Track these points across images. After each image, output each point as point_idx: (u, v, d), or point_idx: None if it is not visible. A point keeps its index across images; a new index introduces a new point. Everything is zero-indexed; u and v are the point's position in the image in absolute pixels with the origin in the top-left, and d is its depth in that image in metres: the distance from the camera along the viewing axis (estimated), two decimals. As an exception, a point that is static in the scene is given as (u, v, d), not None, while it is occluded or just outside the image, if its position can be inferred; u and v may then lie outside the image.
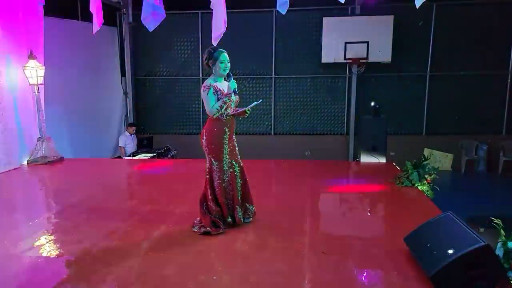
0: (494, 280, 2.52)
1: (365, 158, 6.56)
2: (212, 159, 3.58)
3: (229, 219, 3.62)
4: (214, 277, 2.80)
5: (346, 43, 9.05)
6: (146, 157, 8.12)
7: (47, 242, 3.44)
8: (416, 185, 4.88)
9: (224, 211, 3.60)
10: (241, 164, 3.71)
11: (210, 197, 3.60)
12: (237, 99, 3.63)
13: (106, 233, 3.60)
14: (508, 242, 2.67)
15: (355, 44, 9.02)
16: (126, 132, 9.49)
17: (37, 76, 6.30)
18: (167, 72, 10.45)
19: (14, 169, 6.22)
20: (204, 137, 3.57)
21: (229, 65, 3.54)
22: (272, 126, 10.34)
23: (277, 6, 5.57)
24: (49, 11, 6.98)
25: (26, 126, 6.54)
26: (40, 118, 6.60)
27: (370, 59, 9.06)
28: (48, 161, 6.55)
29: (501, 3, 9.00)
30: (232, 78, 3.59)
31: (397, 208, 4.39)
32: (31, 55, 6.30)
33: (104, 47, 9.85)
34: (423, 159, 5.08)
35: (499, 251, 2.66)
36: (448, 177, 9.21)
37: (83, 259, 3.09)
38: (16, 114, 6.37)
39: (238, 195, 3.66)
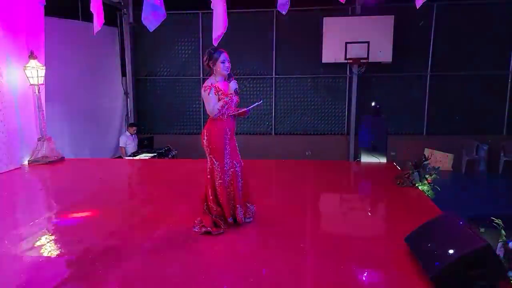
0: (495, 280, 2.52)
1: (366, 158, 6.56)
2: (213, 159, 3.58)
3: (230, 219, 3.62)
4: (215, 277, 2.80)
5: (346, 43, 9.05)
6: (147, 157, 8.12)
7: (48, 242, 3.44)
8: (416, 185, 4.88)
9: (225, 211, 3.60)
10: (242, 164, 3.71)
11: (211, 197, 3.60)
12: (237, 99, 3.63)
13: (106, 233, 3.61)
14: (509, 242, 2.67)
15: (355, 44, 9.01)
16: (126, 132, 9.49)
17: (37, 76, 6.30)
18: (167, 72, 10.45)
19: (15, 169, 6.22)
20: (205, 137, 3.57)
21: (229, 65, 3.54)
22: (273, 126, 10.34)
23: (278, 6, 5.58)
24: (49, 11, 6.98)
25: (27, 126, 6.54)
26: (40, 118, 6.61)
27: (371, 59, 9.05)
28: (49, 161, 6.56)
29: (501, 3, 9.00)
30: (233, 78, 3.59)
31: (398, 208, 4.39)
32: (32, 55, 6.30)
33: (105, 47, 9.85)
34: (423, 159, 5.08)
35: (500, 251, 2.66)
36: (449, 177, 9.21)
37: (84, 259, 3.10)
38: (17, 114, 6.37)
39: (239, 195, 3.66)
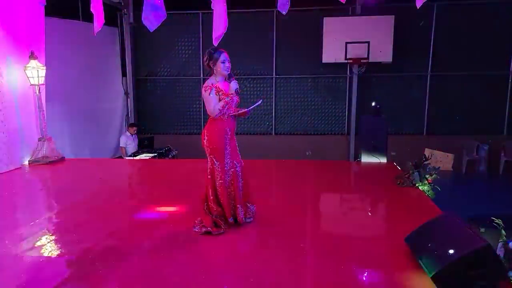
0: (495, 280, 2.52)
1: (366, 158, 6.56)
2: (214, 159, 3.58)
3: (231, 219, 3.62)
4: (215, 277, 2.80)
5: (346, 43, 9.04)
6: (147, 157, 8.12)
7: (48, 242, 3.45)
8: (417, 185, 4.88)
9: (226, 211, 3.60)
10: (242, 164, 3.71)
11: (211, 197, 3.60)
12: (238, 99, 3.63)
13: (107, 233, 3.61)
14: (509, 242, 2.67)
15: (356, 44, 9.01)
16: (127, 132, 9.49)
17: (38, 76, 6.31)
18: (168, 72, 10.45)
19: (16, 169, 6.23)
20: (206, 137, 3.57)
21: (230, 65, 3.54)
22: (273, 126, 10.35)
23: (278, 6, 5.58)
24: (50, 11, 6.99)
25: (27, 126, 6.55)
26: (41, 118, 6.61)
27: (371, 59, 9.05)
28: (49, 161, 6.56)
29: (502, 3, 9.00)
30: (233, 78, 3.59)
31: (398, 208, 4.39)
32: (32, 56, 6.31)
33: (105, 48, 9.86)
34: (424, 159, 5.08)
35: (500, 251, 2.66)
36: (449, 177, 9.20)
37: (84, 259, 3.10)
38: (18, 114, 6.38)
39: (240, 195, 3.66)
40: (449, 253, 2.53)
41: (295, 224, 3.79)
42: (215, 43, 5.39)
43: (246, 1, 9.43)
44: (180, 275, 2.86)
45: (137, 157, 8.13)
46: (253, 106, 3.58)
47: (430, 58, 9.50)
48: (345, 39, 9.04)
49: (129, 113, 10.50)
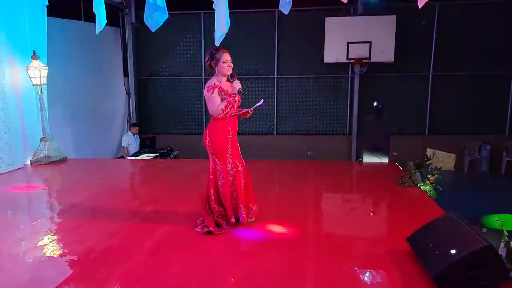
0: (497, 280, 2.52)
1: (368, 158, 6.55)
2: (216, 159, 3.58)
3: (233, 219, 3.63)
4: (217, 277, 2.80)
5: (348, 43, 9.04)
6: (149, 157, 8.13)
7: (50, 242, 3.45)
8: (418, 185, 4.87)
9: (228, 211, 3.60)
10: (244, 163, 3.72)
11: (213, 197, 3.61)
12: (239, 99, 3.63)
13: (109, 233, 3.61)
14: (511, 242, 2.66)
15: (357, 44, 9.01)
16: (129, 132, 9.51)
17: (40, 76, 6.32)
18: (169, 72, 10.46)
19: (18, 169, 6.24)
20: (208, 137, 3.57)
21: (231, 65, 3.54)
22: (275, 126, 10.35)
23: (280, 6, 5.59)
24: (52, 11, 7.01)
25: (29, 126, 6.56)
26: (43, 118, 6.62)
27: (373, 59, 9.05)
28: (51, 161, 6.57)
29: (504, 2, 8.97)
30: (236, 78, 3.59)
31: (400, 208, 4.38)
32: (34, 55, 6.32)
33: (107, 48, 9.88)
34: (425, 159, 5.08)
35: (502, 251, 2.66)
36: (451, 177, 9.18)
37: (86, 258, 3.10)
38: (20, 114, 6.40)
39: (242, 195, 3.66)
40: (450, 253, 2.53)
41: (297, 224, 3.79)
42: (217, 43, 5.39)
43: (248, 1, 9.44)
44: (181, 275, 2.87)
45: (139, 157, 8.14)
46: (254, 106, 3.58)
47: (432, 58, 9.49)
48: (347, 39, 9.04)
49: (131, 113, 10.52)
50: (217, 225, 3.56)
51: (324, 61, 9.37)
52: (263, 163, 6.56)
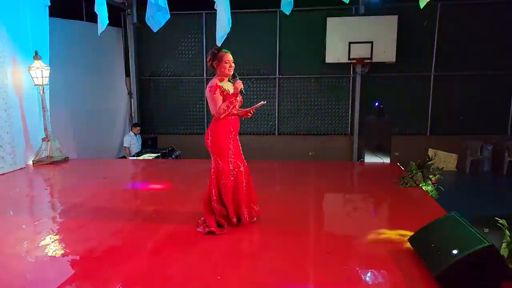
0: (499, 280, 2.52)
1: (369, 159, 6.54)
2: (218, 159, 3.58)
3: (235, 219, 3.63)
4: (219, 277, 2.80)
5: (350, 43, 9.04)
6: (151, 157, 8.14)
7: (53, 242, 3.46)
8: (420, 185, 4.87)
9: (229, 211, 3.60)
10: (246, 163, 3.72)
11: (214, 197, 3.61)
12: (241, 100, 3.64)
13: (110, 233, 3.62)
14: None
15: (359, 44, 9.00)
16: (130, 132, 9.53)
17: (42, 77, 6.33)
18: (171, 73, 10.47)
19: (20, 169, 6.26)
20: (210, 137, 3.58)
21: (233, 65, 3.55)
22: (276, 126, 10.35)
23: (281, 7, 5.59)
24: (54, 12, 7.02)
25: (31, 126, 6.58)
26: (45, 118, 6.64)
27: (374, 59, 9.05)
28: (53, 161, 6.59)
29: (505, 2, 8.96)
30: (237, 78, 3.59)
31: (401, 208, 4.38)
32: (36, 56, 6.33)
33: (109, 48, 9.90)
34: (427, 159, 5.07)
35: (504, 252, 2.65)
36: (453, 177, 9.18)
37: (88, 258, 3.11)
38: (22, 114, 6.41)
39: (244, 195, 3.66)
40: (452, 253, 2.53)
41: (299, 224, 3.79)
42: (219, 43, 5.40)
43: (250, 2, 9.44)
44: (183, 275, 2.87)
45: (141, 157, 8.15)
46: (255, 106, 3.58)
47: (434, 58, 9.48)
48: (348, 39, 9.04)
49: (133, 113, 10.53)
50: (219, 225, 3.56)
51: (326, 61, 9.37)
52: (264, 163, 6.56)
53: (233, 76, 3.58)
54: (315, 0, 9.26)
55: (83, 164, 7.05)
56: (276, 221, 3.86)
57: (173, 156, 8.93)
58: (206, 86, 3.55)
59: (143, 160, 7.83)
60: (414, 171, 4.97)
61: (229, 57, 3.51)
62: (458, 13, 9.30)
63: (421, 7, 4.58)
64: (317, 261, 3.03)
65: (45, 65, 6.41)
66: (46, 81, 6.44)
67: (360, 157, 7.43)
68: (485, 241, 2.48)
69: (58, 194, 5.26)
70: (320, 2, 9.31)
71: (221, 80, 3.54)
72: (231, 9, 5.46)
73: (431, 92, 9.64)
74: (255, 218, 3.80)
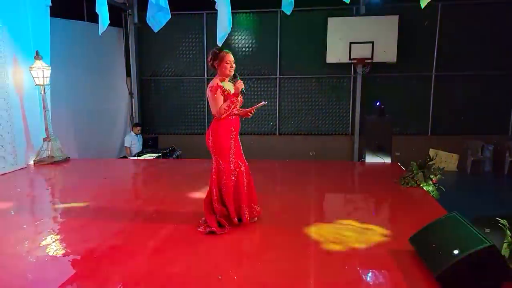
0: (500, 280, 2.51)
1: (370, 159, 6.54)
2: (219, 159, 3.58)
3: (236, 219, 3.63)
4: (219, 277, 2.80)
5: (351, 43, 9.04)
6: (152, 157, 8.15)
7: (53, 242, 3.46)
8: (421, 185, 4.87)
9: (230, 211, 3.60)
10: (246, 164, 3.72)
11: (215, 197, 3.61)
12: (242, 100, 3.64)
13: (112, 233, 3.62)
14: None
15: (360, 44, 9.00)
16: (131, 132, 9.54)
17: (43, 77, 6.34)
18: (172, 73, 10.48)
19: (21, 168, 6.27)
20: (211, 138, 3.58)
21: (234, 65, 3.55)
22: (277, 126, 10.34)
23: (282, 7, 5.58)
24: (55, 12, 7.03)
25: (32, 126, 6.59)
26: (46, 118, 6.64)
27: (375, 59, 9.04)
28: (54, 161, 6.60)
29: (506, 2, 8.95)
30: (238, 78, 3.59)
31: (402, 208, 4.38)
32: (38, 56, 6.34)
33: (110, 48, 9.90)
34: (428, 159, 5.07)
35: (505, 252, 2.65)
36: (454, 177, 9.17)
37: (89, 258, 3.11)
38: (23, 114, 6.42)
39: (245, 195, 3.66)
40: (453, 253, 2.52)
41: (299, 224, 3.79)
42: (219, 44, 5.40)
43: (251, 2, 9.44)
44: (184, 274, 2.87)
45: (142, 157, 8.16)
46: (256, 106, 3.58)
47: (435, 58, 9.47)
48: (349, 39, 9.04)
49: (134, 113, 10.54)
50: (220, 225, 3.56)
51: (327, 61, 9.37)
52: (265, 163, 6.56)
53: (234, 76, 3.58)
54: (316, 0, 9.26)
55: (84, 164, 7.06)
56: (277, 221, 3.86)
57: (174, 156, 8.93)
58: (207, 86, 3.55)
59: (144, 160, 7.83)
60: (415, 171, 4.97)
61: (230, 57, 3.51)
62: (459, 13, 9.29)
63: (422, 7, 4.58)
64: (318, 262, 3.03)
65: (46, 65, 6.42)
66: (47, 81, 6.45)
67: (361, 157, 7.42)
68: (486, 241, 2.47)
69: (59, 194, 5.26)
70: (321, 2, 9.31)
71: (222, 80, 3.54)
72: (232, 9, 5.46)
73: (432, 92, 9.63)
74: (256, 218, 3.80)
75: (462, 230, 2.72)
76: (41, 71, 6.30)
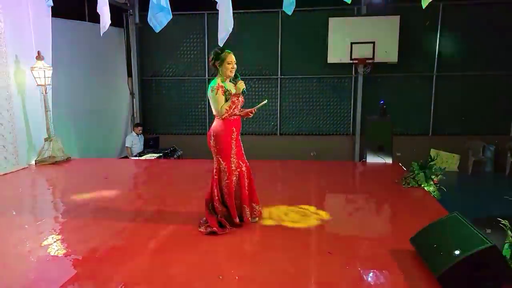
0: (501, 280, 2.51)
1: (371, 159, 6.54)
2: (220, 159, 3.59)
3: (237, 219, 3.63)
4: (220, 277, 2.81)
5: (352, 43, 9.04)
6: (153, 157, 8.15)
7: (55, 242, 3.47)
8: (422, 185, 4.86)
9: (231, 211, 3.60)
10: (248, 164, 3.72)
11: (216, 197, 3.61)
12: (243, 100, 3.64)
13: (113, 233, 3.63)
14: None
15: (361, 44, 9.00)
16: (132, 132, 9.55)
17: (44, 77, 6.35)
18: (173, 73, 10.48)
19: (22, 169, 6.27)
20: (212, 138, 3.58)
21: (235, 67, 3.55)
22: (278, 127, 10.34)
23: (283, 7, 5.58)
24: (57, 12, 7.03)
25: (34, 126, 6.60)
26: (47, 118, 6.65)
27: (377, 59, 9.03)
28: (56, 161, 6.61)
29: (507, 2, 8.93)
30: (240, 78, 3.59)
31: (403, 208, 4.38)
32: (39, 56, 6.35)
33: (111, 48, 9.91)
34: (429, 159, 5.07)
35: (506, 252, 2.65)
36: (455, 178, 9.16)
37: (90, 258, 3.12)
38: (24, 115, 6.44)
39: (246, 195, 3.66)
40: (454, 253, 2.52)
41: (300, 224, 3.79)
42: (221, 44, 5.40)
43: (252, 2, 9.44)
44: (185, 275, 2.88)
45: (143, 157, 8.16)
46: (258, 106, 3.59)
47: (436, 59, 9.45)
48: (350, 40, 9.04)
49: (135, 113, 10.55)
50: (221, 225, 3.57)
51: (328, 61, 9.37)
52: (266, 164, 6.56)
53: (235, 76, 3.58)
54: (317, 1, 9.26)
55: (85, 164, 7.06)
56: (278, 221, 3.86)
57: (175, 156, 8.93)
58: (208, 87, 3.55)
59: (145, 160, 7.83)
60: (416, 172, 4.96)
61: (232, 58, 3.51)
62: (460, 13, 9.27)
63: (423, 7, 4.57)
64: (319, 262, 3.03)
65: (48, 66, 6.43)
66: (48, 81, 6.46)
67: (362, 157, 7.41)
68: (487, 241, 2.47)
69: (60, 194, 5.27)
70: (322, 2, 9.31)
71: (223, 81, 3.55)
72: (233, 9, 5.46)
73: (433, 92, 9.61)
74: (257, 218, 3.80)
75: (463, 230, 2.72)
76: (43, 72, 6.31)
